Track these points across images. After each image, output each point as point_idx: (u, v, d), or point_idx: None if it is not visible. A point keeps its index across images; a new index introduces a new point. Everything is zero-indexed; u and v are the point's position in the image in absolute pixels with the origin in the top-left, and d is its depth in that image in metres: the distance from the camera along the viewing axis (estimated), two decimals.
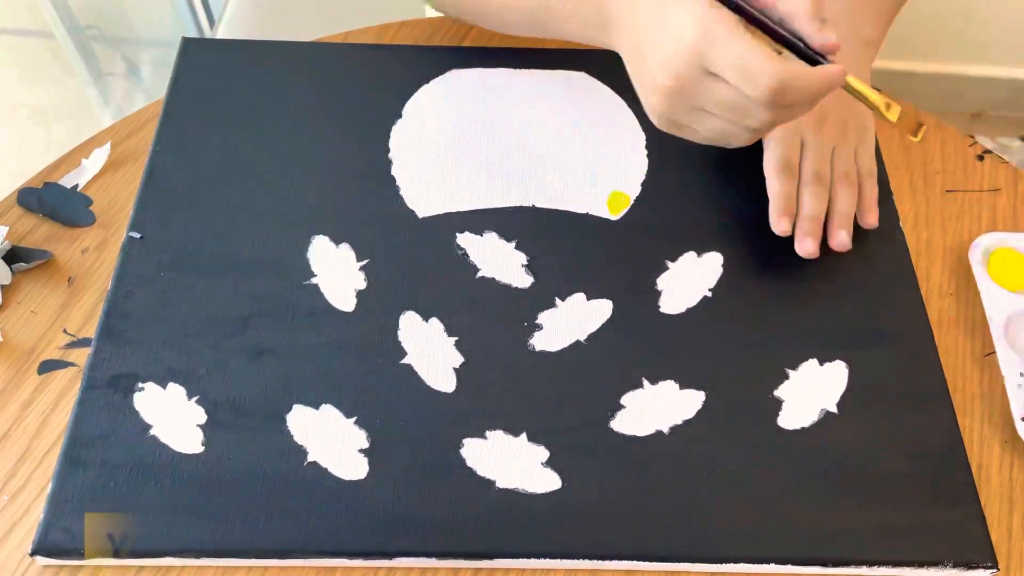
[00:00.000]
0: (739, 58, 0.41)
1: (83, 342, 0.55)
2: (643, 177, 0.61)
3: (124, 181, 0.63)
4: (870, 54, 0.62)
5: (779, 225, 0.57)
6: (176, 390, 0.51)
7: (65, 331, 0.55)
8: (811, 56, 0.43)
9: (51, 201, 0.61)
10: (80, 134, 0.68)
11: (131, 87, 1.48)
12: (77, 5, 1.31)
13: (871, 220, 0.58)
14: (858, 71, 0.57)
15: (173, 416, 0.51)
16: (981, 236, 0.60)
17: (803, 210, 0.57)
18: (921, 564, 0.47)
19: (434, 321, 0.54)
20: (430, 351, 0.53)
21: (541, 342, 0.54)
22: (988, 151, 0.65)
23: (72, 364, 0.54)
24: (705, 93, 0.44)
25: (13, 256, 0.58)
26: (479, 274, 0.56)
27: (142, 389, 0.51)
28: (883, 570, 0.48)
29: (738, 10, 0.43)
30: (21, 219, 0.61)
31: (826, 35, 0.43)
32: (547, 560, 0.47)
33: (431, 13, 0.82)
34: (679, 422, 0.51)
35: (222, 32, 1.02)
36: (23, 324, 0.56)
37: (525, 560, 0.48)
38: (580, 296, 0.56)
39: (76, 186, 0.62)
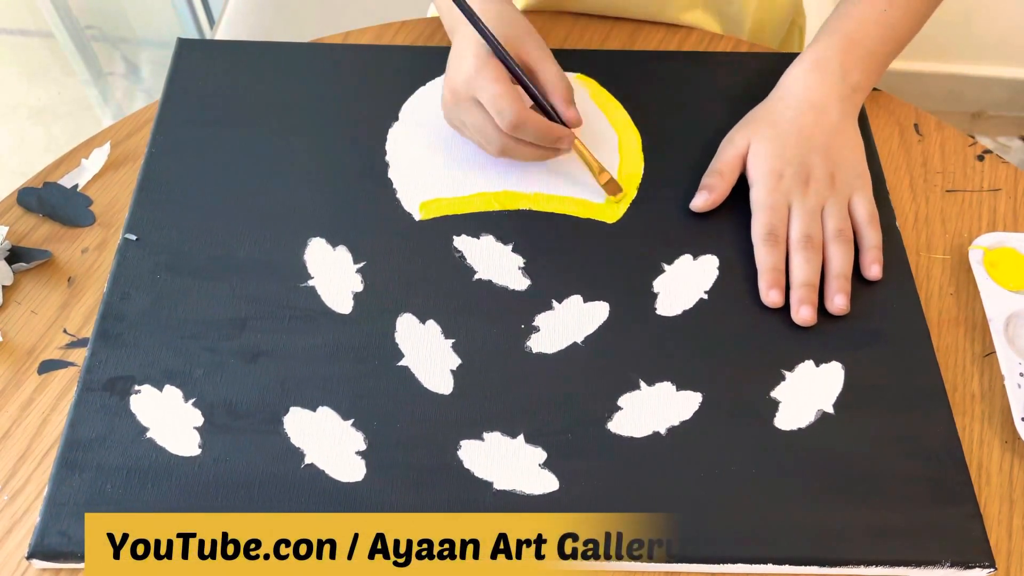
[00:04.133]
0: (498, 96, 0.55)
1: (83, 342, 0.55)
2: (639, 180, 0.61)
3: (124, 181, 0.63)
4: (856, 99, 0.61)
5: (768, 297, 0.55)
6: (173, 392, 0.51)
7: (65, 331, 0.56)
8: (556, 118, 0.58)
9: (51, 201, 0.61)
10: (80, 134, 0.68)
11: (131, 87, 1.48)
12: (77, 5, 1.31)
13: (873, 273, 0.56)
14: (842, 114, 0.60)
15: (170, 418, 0.51)
16: (981, 236, 0.60)
17: (795, 278, 0.55)
18: (918, 564, 0.47)
19: (431, 323, 0.54)
20: (427, 353, 0.53)
21: (538, 344, 0.54)
22: (988, 151, 0.65)
23: (72, 364, 0.54)
24: (467, 112, 0.57)
25: (13, 256, 0.58)
26: (476, 276, 0.56)
27: (139, 391, 0.51)
28: (880, 570, 0.47)
29: (509, 69, 0.57)
30: (21, 219, 0.61)
31: (570, 112, 0.57)
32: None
33: (432, 13, 0.82)
34: (676, 423, 0.51)
35: (221, 32, 1.02)
36: (23, 324, 0.56)
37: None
38: (577, 298, 0.55)
39: (76, 186, 0.62)
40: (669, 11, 0.72)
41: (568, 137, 0.57)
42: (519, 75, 0.57)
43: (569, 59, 0.67)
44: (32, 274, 0.58)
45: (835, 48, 0.61)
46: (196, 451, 0.50)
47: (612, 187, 0.60)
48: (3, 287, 0.57)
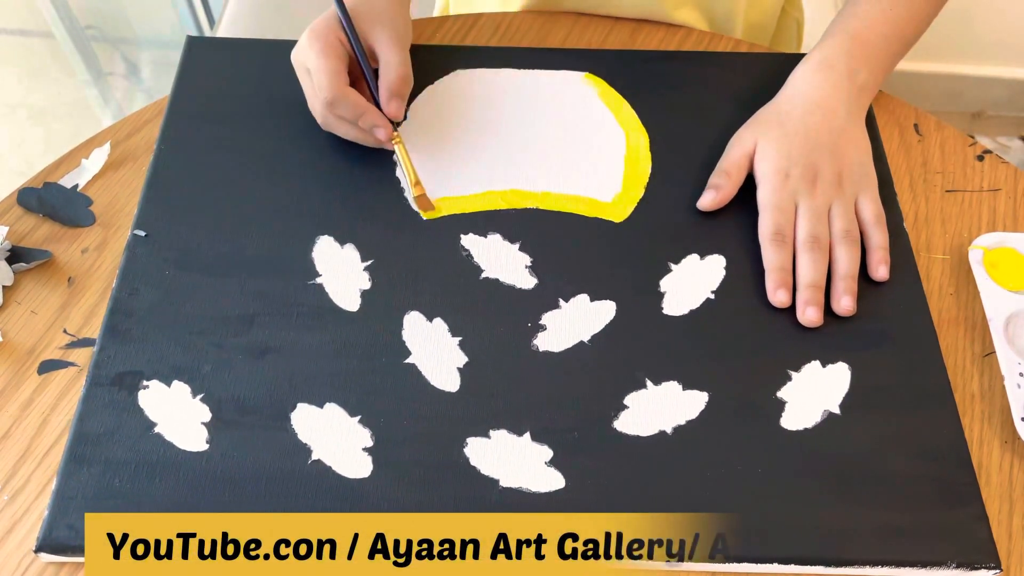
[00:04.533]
0: (319, 70, 0.58)
1: (83, 342, 0.55)
2: (647, 179, 0.61)
3: (124, 181, 0.63)
4: (863, 99, 0.62)
5: (776, 297, 0.55)
6: (181, 388, 0.51)
7: (65, 331, 0.55)
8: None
9: (51, 201, 0.61)
10: (80, 134, 0.68)
11: (131, 87, 1.48)
12: (77, 5, 1.31)
13: (880, 274, 0.56)
14: (849, 114, 0.60)
15: (177, 414, 0.51)
16: (981, 236, 0.60)
17: (801, 278, 0.55)
18: (924, 564, 0.47)
19: (438, 321, 0.54)
20: (434, 351, 0.53)
21: (545, 343, 0.54)
22: (988, 151, 0.65)
23: (72, 364, 0.54)
24: (303, 81, 0.61)
25: (13, 256, 0.58)
26: (483, 275, 0.56)
27: (147, 387, 0.51)
28: (886, 570, 0.48)
29: (355, 50, 0.60)
30: (21, 219, 0.60)
31: (391, 104, 0.59)
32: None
33: (437, 13, 0.82)
34: (682, 422, 0.51)
35: (222, 32, 1.02)
36: (23, 324, 0.56)
37: None
38: (584, 297, 0.56)
39: (76, 186, 0.62)
40: (662, 8, 0.72)
41: (385, 128, 0.59)
42: (359, 56, 0.59)
43: (577, 58, 0.68)
44: (32, 274, 0.58)
45: (841, 48, 0.61)
46: (204, 446, 0.50)
47: (423, 203, 0.59)
48: (3, 287, 0.57)
